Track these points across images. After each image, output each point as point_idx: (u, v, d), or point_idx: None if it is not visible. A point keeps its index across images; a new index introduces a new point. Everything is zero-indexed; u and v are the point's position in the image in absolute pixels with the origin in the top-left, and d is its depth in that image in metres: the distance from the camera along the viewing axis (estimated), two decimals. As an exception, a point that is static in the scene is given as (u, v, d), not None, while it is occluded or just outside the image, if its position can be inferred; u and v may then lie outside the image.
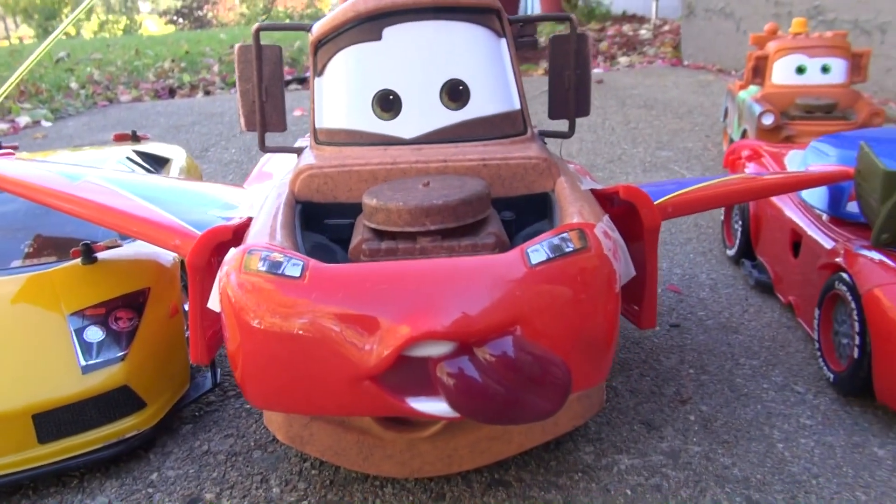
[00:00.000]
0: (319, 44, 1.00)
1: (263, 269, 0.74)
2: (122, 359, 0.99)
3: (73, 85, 5.16)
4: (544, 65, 4.95)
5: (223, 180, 2.61)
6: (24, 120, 4.08)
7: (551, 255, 0.73)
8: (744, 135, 2.10)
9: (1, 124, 3.94)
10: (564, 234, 0.75)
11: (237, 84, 1.05)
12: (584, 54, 1.08)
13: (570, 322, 0.72)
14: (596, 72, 4.86)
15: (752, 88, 2.13)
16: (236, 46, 1.04)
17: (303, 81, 4.93)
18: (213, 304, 0.82)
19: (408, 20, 0.96)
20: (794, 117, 1.95)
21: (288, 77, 5.01)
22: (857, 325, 1.01)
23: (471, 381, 0.68)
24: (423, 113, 0.98)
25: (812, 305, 1.19)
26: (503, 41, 1.01)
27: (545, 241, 0.74)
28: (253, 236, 0.84)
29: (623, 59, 5.27)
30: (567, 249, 0.73)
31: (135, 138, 1.77)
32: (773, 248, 1.41)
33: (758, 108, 1.94)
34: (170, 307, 1.10)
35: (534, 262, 0.72)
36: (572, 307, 0.72)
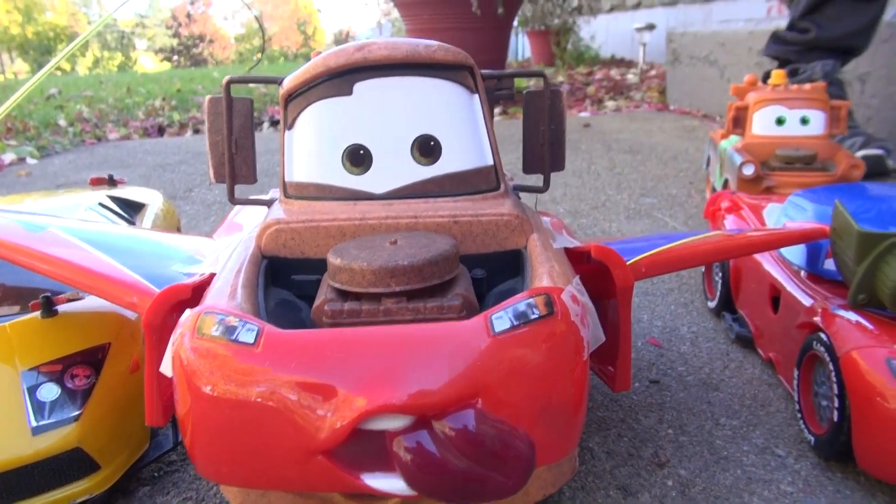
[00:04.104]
0: (290, 97, 0.99)
1: (217, 333, 0.71)
2: (76, 419, 0.95)
3: (62, 122, 5.17)
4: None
5: (204, 222, 2.58)
6: (8, 157, 4.06)
7: (515, 323, 0.70)
8: (725, 184, 2.11)
9: (-15, 161, 3.92)
10: (531, 300, 0.72)
11: (207, 136, 1.03)
12: (559, 109, 1.07)
13: (534, 393, 0.70)
14: (583, 115, 4.92)
15: (733, 138, 2.15)
16: (206, 98, 1.03)
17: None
18: (166, 368, 0.78)
19: (379, 76, 0.96)
20: (774, 168, 1.96)
21: (270, 118, 5.04)
22: (835, 387, 0.99)
23: (429, 456, 0.64)
24: (393, 168, 0.97)
25: (791, 363, 1.17)
26: (475, 97, 1.01)
27: (510, 307, 0.72)
28: (212, 296, 0.81)
29: (610, 103, 5.35)
30: (532, 316, 0.71)
31: (111, 182, 1.75)
32: (753, 302, 1.39)
33: (738, 159, 1.94)
34: (130, 362, 1.06)
35: (497, 330, 0.69)
36: (537, 377, 0.70)
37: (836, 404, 0.98)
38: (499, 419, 0.66)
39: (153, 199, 1.71)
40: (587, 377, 0.74)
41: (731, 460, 1.07)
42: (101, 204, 1.50)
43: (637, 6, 8.63)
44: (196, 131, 5.12)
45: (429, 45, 0.97)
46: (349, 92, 0.96)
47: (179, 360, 0.73)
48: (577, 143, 3.80)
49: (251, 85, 6.70)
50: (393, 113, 0.96)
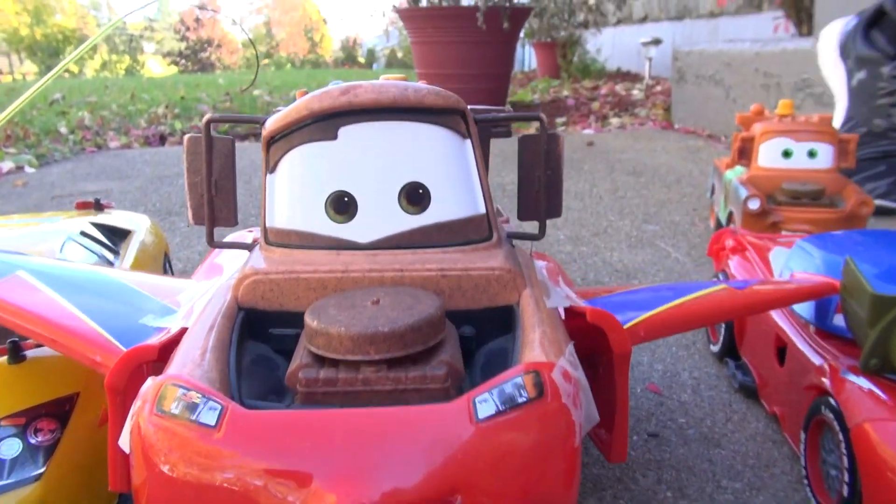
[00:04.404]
0: (272, 140, 0.94)
1: (177, 411, 0.66)
2: (38, 478, 0.90)
3: (63, 129, 5.13)
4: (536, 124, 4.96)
5: (198, 241, 2.53)
6: (7, 165, 4.03)
7: (501, 408, 0.65)
8: (730, 217, 2.05)
9: (-18, 170, 3.88)
10: (518, 380, 0.67)
11: (185, 176, 0.98)
12: (556, 154, 1.02)
13: (520, 485, 0.64)
14: (587, 133, 4.87)
15: (738, 169, 2.09)
16: (185, 138, 0.98)
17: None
18: (124, 443, 0.73)
19: (365, 120, 0.91)
20: (781, 202, 1.90)
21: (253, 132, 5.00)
22: (845, 459, 0.93)
23: (402, 559, 0.59)
24: (379, 217, 0.91)
25: (798, 422, 1.11)
26: (467, 142, 0.95)
27: (496, 388, 0.66)
28: (178, 360, 0.76)
29: (615, 120, 5.30)
30: (520, 399, 0.65)
31: (98, 207, 1.70)
32: (758, 351, 1.33)
33: (743, 192, 1.89)
34: (100, 414, 1.00)
35: (481, 416, 0.64)
36: (524, 467, 0.64)
37: (847, 478, 0.92)
38: (479, 517, 0.61)
39: (139, 225, 1.66)
40: (579, 464, 0.69)
41: (732, 530, 1.01)
42: (82, 232, 1.45)
43: (643, 20, 8.60)
44: (197, 141, 5.09)
45: (418, 89, 0.92)
46: (334, 136, 0.91)
47: (138, 434, 0.68)
48: (580, 162, 3.75)
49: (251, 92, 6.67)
50: (380, 159, 0.91)
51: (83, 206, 1.70)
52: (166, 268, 1.72)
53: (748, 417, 1.29)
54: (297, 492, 0.61)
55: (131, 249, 1.53)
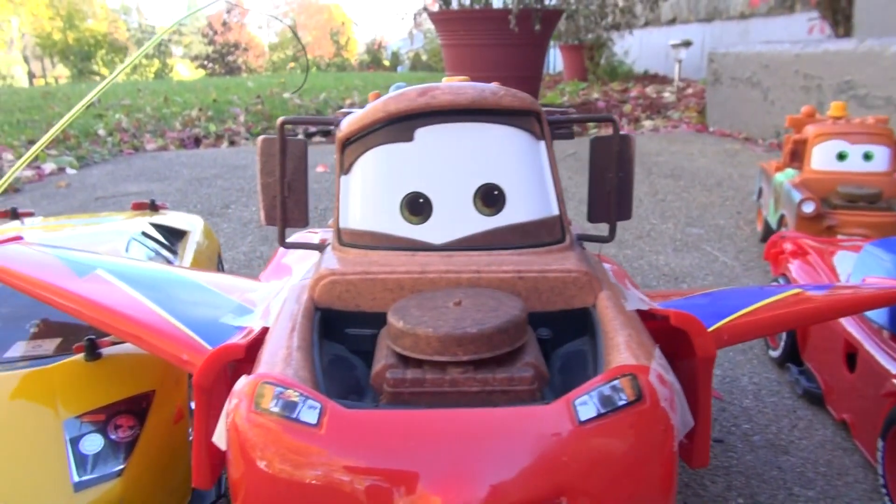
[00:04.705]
0: (347, 142, 0.94)
1: (276, 409, 0.66)
2: (119, 474, 0.91)
3: (101, 132, 5.23)
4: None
5: (241, 241, 2.56)
6: (49, 167, 4.11)
7: (602, 410, 0.64)
8: (781, 220, 2.02)
9: (27, 171, 3.97)
10: (616, 383, 0.66)
11: (258, 177, 0.99)
12: (628, 156, 1.01)
13: (622, 488, 0.63)
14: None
15: (790, 172, 2.06)
16: (259, 139, 0.99)
17: (327, 135, 4.96)
18: (219, 440, 0.74)
19: (441, 122, 0.91)
20: (836, 206, 1.87)
21: (312, 129, 5.05)
22: (931, 468, 0.91)
23: (508, 560, 0.58)
24: (454, 218, 0.91)
25: (873, 430, 1.08)
26: (542, 144, 0.95)
27: (595, 390, 0.66)
28: (266, 359, 0.76)
29: (647, 123, 5.26)
30: (619, 402, 0.65)
31: (153, 207, 1.73)
32: (824, 357, 1.31)
33: (797, 196, 1.86)
34: (174, 411, 1.02)
35: (583, 418, 0.63)
36: (625, 471, 0.63)
37: (934, 488, 0.90)
38: (584, 520, 0.60)
39: (194, 226, 1.68)
40: (676, 470, 0.68)
41: (809, 539, 0.99)
42: (143, 233, 1.47)
43: (672, 21, 8.52)
44: (231, 143, 5.15)
45: (495, 91, 0.92)
46: (410, 138, 0.91)
47: (236, 433, 0.68)
48: (616, 165, 3.72)
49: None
50: (455, 160, 0.91)
51: (139, 207, 1.73)
52: (220, 268, 1.74)
53: (815, 424, 1.27)
54: (400, 492, 0.61)
55: (189, 249, 1.55)
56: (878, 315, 1.16)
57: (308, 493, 0.64)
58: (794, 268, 1.47)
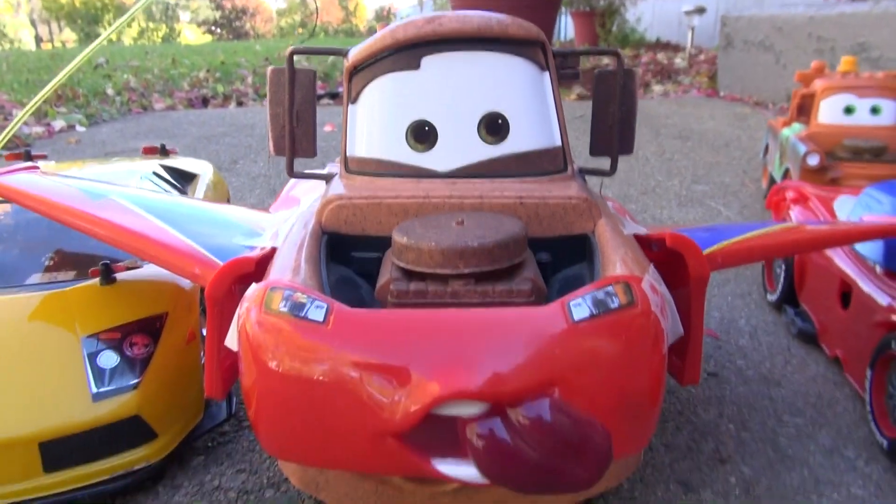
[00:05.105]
0: (355, 70, 0.96)
1: (285, 309, 0.69)
2: (135, 387, 0.96)
3: (110, 91, 5.23)
4: (577, 90, 4.91)
5: (250, 194, 2.59)
6: (58, 124, 4.13)
7: (595, 312, 0.67)
8: (786, 174, 2.03)
9: (36, 127, 3.99)
10: (609, 288, 0.69)
11: (268, 107, 1.01)
12: (631, 90, 1.03)
13: (612, 385, 0.67)
14: (629, 99, 4.80)
15: (797, 126, 2.06)
16: (269, 69, 1.01)
17: (335, 97, 4.95)
18: (231, 342, 0.77)
19: (448, 50, 0.92)
20: (841, 159, 1.87)
21: (320, 92, 5.03)
22: (916, 391, 0.94)
23: (502, 445, 0.62)
24: (459, 146, 0.94)
25: (862, 362, 1.11)
26: (546, 74, 0.97)
27: (588, 294, 0.69)
28: (276, 271, 0.80)
29: (657, 88, 5.21)
30: (612, 305, 0.68)
31: (163, 152, 1.76)
32: (820, 297, 1.33)
33: (803, 148, 1.86)
34: (187, 333, 1.06)
35: (576, 317, 0.67)
36: (616, 369, 0.67)
37: (917, 409, 0.93)
38: (575, 409, 0.64)
39: (204, 170, 1.71)
40: (665, 371, 0.71)
41: (796, 460, 1.03)
42: (154, 173, 1.50)
43: (687, -13, 8.36)
44: (239, 104, 5.15)
45: (501, 20, 0.93)
46: (416, 66, 0.93)
47: (245, 334, 0.72)
48: (624, 126, 3.71)
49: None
50: (461, 89, 0.93)
51: (150, 151, 1.76)
52: (229, 212, 1.77)
53: (807, 361, 1.30)
54: (402, 383, 0.64)
55: (199, 192, 1.58)
56: (872, 252, 1.18)
57: (316, 388, 0.67)
58: (795, 213, 1.48)
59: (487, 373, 0.63)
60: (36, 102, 1.30)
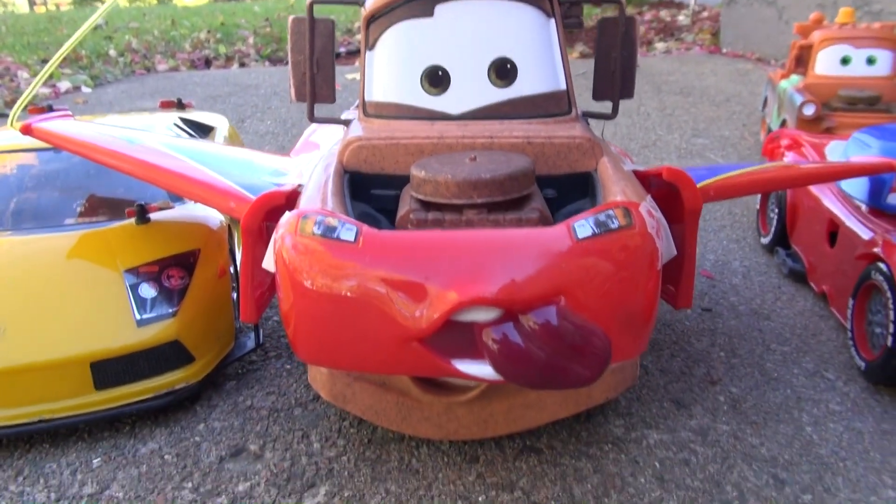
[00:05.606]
0: (372, 18, 1.02)
1: (318, 232, 0.77)
2: (174, 315, 1.04)
3: (112, 52, 5.23)
4: (579, 48, 4.91)
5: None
6: (64, 85, 4.16)
7: (597, 231, 0.75)
8: (783, 125, 2.09)
9: (43, 89, 4.02)
10: (610, 211, 0.77)
11: (289, 55, 1.07)
12: (632, 37, 1.08)
13: (612, 296, 0.75)
14: (631, 56, 4.80)
15: (794, 78, 2.11)
16: (290, 19, 1.06)
17: (351, 54, 4.96)
18: (268, 264, 0.85)
19: None
20: (836, 109, 1.93)
21: (341, 50, 5.03)
22: (892, 314, 1.02)
23: (515, 346, 0.71)
24: (470, 90, 1.00)
25: (846, 295, 1.20)
26: (552, 21, 1.02)
27: (591, 216, 0.76)
28: (306, 202, 0.87)
29: (660, 45, 5.21)
30: (612, 226, 0.75)
31: (180, 106, 1.81)
32: (809, 238, 1.41)
33: (799, 98, 1.92)
34: (218, 268, 1.14)
35: (580, 236, 0.74)
36: (615, 282, 0.75)
37: (892, 330, 1.01)
38: (579, 316, 0.72)
39: (220, 123, 1.77)
40: (659, 285, 0.79)
41: (781, 381, 1.12)
42: (175, 124, 1.57)
43: (692, -57, 8.22)
44: (242, 64, 5.16)
45: None
46: (430, 14, 0.99)
47: (282, 257, 0.79)
48: (626, 83, 3.74)
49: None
50: (472, 35, 0.99)
51: (167, 105, 1.81)
52: (244, 164, 1.84)
53: (796, 297, 1.39)
54: (425, 293, 0.72)
55: (217, 142, 1.64)
56: (858, 192, 1.25)
57: (349, 300, 0.75)
58: (789, 160, 1.55)
59: (501, 282, 0.71)
60: (55, 62, 1.35)
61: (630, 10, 7.12)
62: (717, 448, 0.96)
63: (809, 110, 1.89)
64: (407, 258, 0.74)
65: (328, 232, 0.77)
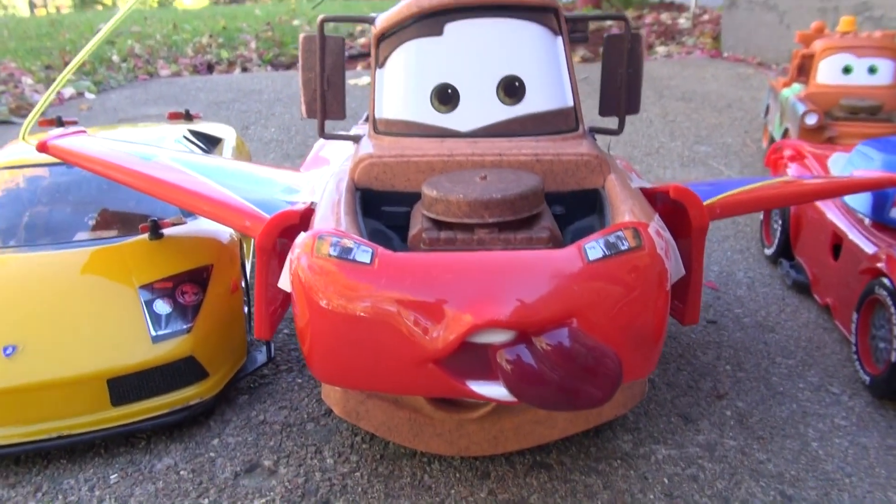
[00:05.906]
0: (382, 37, 1.03)
1: (334, 254, 0.78)
2: (189, 331, 1.06)
3: (115, 58, 5.25)
4: (581, 52, 4.92)
5: (265, 159, 2.66)
6: (68, 91, 4.18)
7: (607, 253, 0.76)
8: (785, 133, 2.10)
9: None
10: (619, 233, 0.78)
11: (300, 73, 1.09)
12: (638, 53, 1.10)
13: (622, 316, 0.76)
14: (633, 61, 4.81)
15: (796, 87, 2.12)
16: (301, 37, 1.08)
17: (361, 57, 4.98)
18: (284, 284, 0.87)
19: (469, 17, 1.00)
20: (838, 118, 1.94)
21: (353, 52, 5.03)
22: (895, 329, 1.03)
23: (528, 367, 0.72)
24: (479, 107, 1.01)
25: (850, 308, 1.21)
26: (559, 39, 1.04)
27: (601, 238, 0.78)
28: (319, 221, 0.89)
29: (661, 49, 5.22)
30: (622, 247, 0.77)
31: (188, 117, 1.83)
32: (813, 250, 1.42)
33: (801, 108, 1.93)
34: (231, 283, 1.15)
35: (591, 258, 0.76)
36: (625, 303, 0.76)
37: (896, 345, 1.03)
38: (591, 337, 0.73)
39: (228, 134, 1.79)
40: (668, 306, 0.81)
41: (786, 395, 1.13)
42: (184, 137, 1.58)
43: (692, -55, 8.24)
44: (244, 69, 5.18)
45: None
46: (440, 32, 1.01)
47: (298, 278, 0.81)
48: (628, 89, 3.75)
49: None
50: (481, 53, 1.01)
51: (175, 117, 1.83)
52: (252, 175, 1.85)
53: (800, 309, 1.40)
54: (440, 315, 0.74)
55: (225, 154, 1.66)
56: (862, 205, 1.26)
57: (365, 321, 0.77)
58: (792, 171, 1.56)
59: (515, 305, 0.72)
60: (71, 68, 1.36)
61: (631, 13, 7.14)
62: (725, 464, 0.98)
63: (812, 120, 1.91)
64: (422, 281, 0.75)
65: (344, 253, 0.78)
